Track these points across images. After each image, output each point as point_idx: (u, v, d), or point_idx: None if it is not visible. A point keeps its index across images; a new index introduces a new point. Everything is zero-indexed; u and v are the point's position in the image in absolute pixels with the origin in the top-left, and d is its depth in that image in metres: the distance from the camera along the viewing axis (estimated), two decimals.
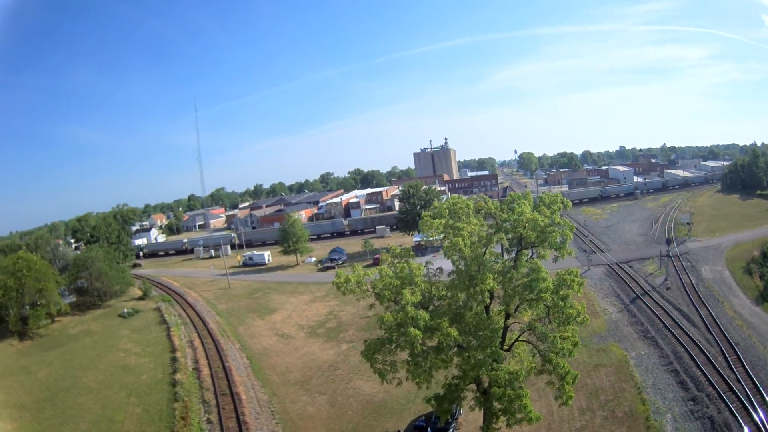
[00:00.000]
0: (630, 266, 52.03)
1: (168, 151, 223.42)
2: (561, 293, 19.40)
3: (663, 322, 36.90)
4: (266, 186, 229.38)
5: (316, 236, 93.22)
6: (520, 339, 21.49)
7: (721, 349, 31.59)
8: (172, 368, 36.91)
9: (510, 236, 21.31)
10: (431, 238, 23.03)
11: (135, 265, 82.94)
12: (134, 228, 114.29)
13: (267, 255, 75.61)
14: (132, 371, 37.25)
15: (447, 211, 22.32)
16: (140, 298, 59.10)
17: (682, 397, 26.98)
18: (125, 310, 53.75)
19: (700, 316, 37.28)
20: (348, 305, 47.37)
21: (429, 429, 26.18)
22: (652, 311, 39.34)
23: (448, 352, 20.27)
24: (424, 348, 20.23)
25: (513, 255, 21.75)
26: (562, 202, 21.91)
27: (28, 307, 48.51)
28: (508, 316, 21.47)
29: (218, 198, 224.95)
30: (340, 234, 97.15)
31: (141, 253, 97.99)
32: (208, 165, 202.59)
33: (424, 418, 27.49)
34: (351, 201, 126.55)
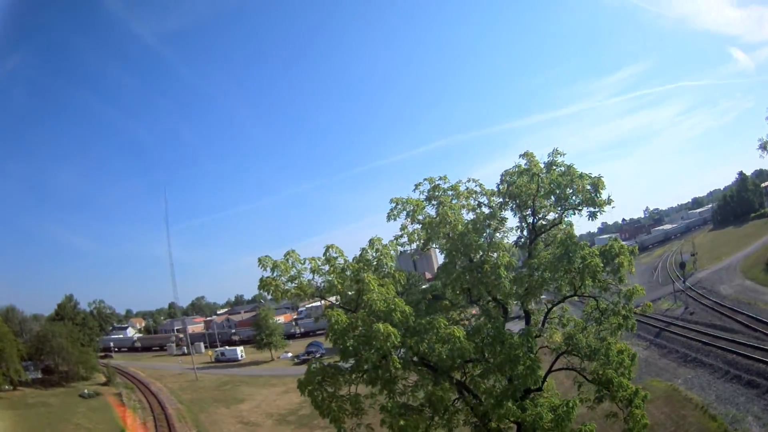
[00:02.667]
0: (643, 311, 50.46)
1: (150, 260, 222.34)
2: (612, 264, 13.64)
3: (701, 341, 33.96)
4: (248, 297, 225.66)
5: (291, 335, 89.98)
6: (556, 367, 14.57)
7: None
8: None
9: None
10: None
11: (105, 356, 79.20)
12: (111, 328, 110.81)
13: (240, 350, 72.07)
14: None
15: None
16: (104, 384, 56.76)
17: (756, 394, 24.25)
18: (86, 391, 51.74)
19: (738, 322, 35.13)
20: None
21: None
22: (684, 337, 36.38)
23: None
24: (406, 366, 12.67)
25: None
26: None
27: None
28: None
29: (198, 307, 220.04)
30: (316, 333, 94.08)
31: (113, 347, 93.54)
32: (190, 275, 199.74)
33: None
34: (332, 303, 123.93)
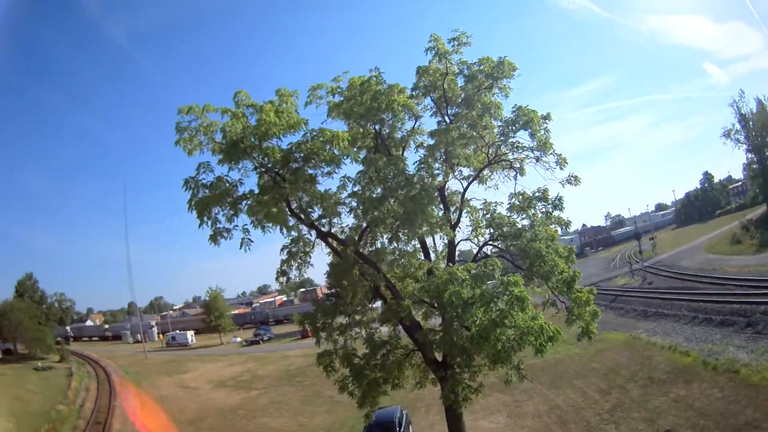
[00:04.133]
0: (597, 286, 51.39)
1: (113, 262, 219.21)
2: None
3: (661, 299, 34.08)
4: (204, 298, 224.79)
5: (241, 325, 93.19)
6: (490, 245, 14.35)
7: (753, 283, 30.05)
8: (60, 402, 37.18)
9: None
10: None
11: (62, 341, 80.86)
12: (71, 321, 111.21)
13: (190, 335, 75.34)
14: (23, 401, 37.44)
15: None
16: (58, 361, 59.35)
17: (733, 331, 23.15)
18: (39, 364, 54.73)
19: (702, 282, 35.62)
20: (269, 364, 48.80)
21: None
22: (644, 298, 36.55)
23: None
24: None
25: None
26: None
27: None
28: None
29: (156, 307, 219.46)
30: (264, 322, 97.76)
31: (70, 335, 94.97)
32: (150, 277, 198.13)
33: None
34: (285, 300, 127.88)
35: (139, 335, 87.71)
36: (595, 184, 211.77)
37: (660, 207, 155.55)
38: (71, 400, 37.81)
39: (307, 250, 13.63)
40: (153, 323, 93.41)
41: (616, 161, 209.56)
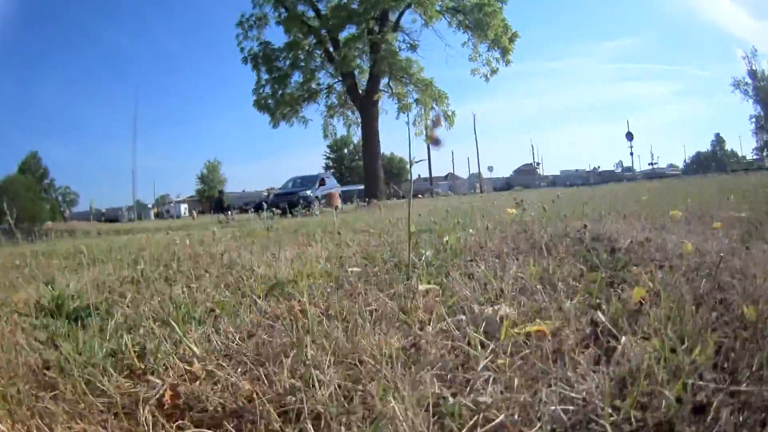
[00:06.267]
0: None
1: (124, 165, 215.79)
2: None
3: None
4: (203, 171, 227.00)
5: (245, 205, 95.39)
6: None
7: None
8: None
9: None
10: None
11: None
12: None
13: (184, 207, 76.64)
14: None
15: None
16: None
17: None
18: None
19: None
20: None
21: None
22: None
23: None
24: None
25: None
26: None
27: None
28: None
29: (163, 203, 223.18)
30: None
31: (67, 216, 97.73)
32: (157, 178, 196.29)
33: None
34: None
35: (133, 215, 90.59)
36: (613, 137, 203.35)
37: (671, 166, 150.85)
38: None
39: None
40: (150, 204, 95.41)
41: (636, 120, 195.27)
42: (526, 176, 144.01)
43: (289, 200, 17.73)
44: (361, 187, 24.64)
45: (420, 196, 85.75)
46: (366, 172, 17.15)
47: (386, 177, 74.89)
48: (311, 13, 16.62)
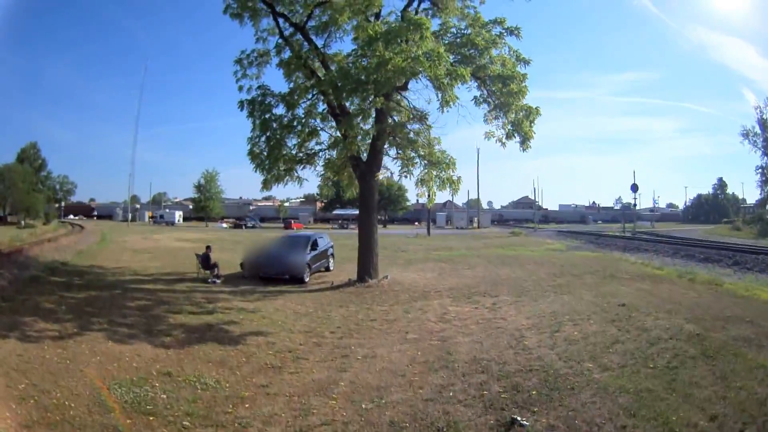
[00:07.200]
0: (589, 233, 54.08)
1: (124, 159, 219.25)
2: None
3: (646, 240, 38.33)
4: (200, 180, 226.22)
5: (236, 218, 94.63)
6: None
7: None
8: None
9: None
10: None
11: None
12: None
13: (177, 215, 76.31)
14: None
15: None
16: (43, 225, 61.25)
17: (719, 266, 21.80)
18: (22, 222, 57.17)
19: (691, 242, 36.04)
20: (236, 236, 49.51)
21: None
22: (628, 240, 39.60)
23: None
24: None
25: None
26: None
27: None
28: None
29: (159, 202, 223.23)
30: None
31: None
32: (157, 176, 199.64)
33: None
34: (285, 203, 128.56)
35: (128, 214, 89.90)
36: (613, 171, 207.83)
37: (671, 206, 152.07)
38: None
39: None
40: (145, 202, 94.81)
41: (638, 155, 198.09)
42: (523, 210, 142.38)
43: (276, 271, 16.00)
44: (356, 212, 23.63)
45: (417, 223, 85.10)
46: (360, 244, 16.18)
47: (382, 203, 74.28)
48: (317, 63, 15.77)
